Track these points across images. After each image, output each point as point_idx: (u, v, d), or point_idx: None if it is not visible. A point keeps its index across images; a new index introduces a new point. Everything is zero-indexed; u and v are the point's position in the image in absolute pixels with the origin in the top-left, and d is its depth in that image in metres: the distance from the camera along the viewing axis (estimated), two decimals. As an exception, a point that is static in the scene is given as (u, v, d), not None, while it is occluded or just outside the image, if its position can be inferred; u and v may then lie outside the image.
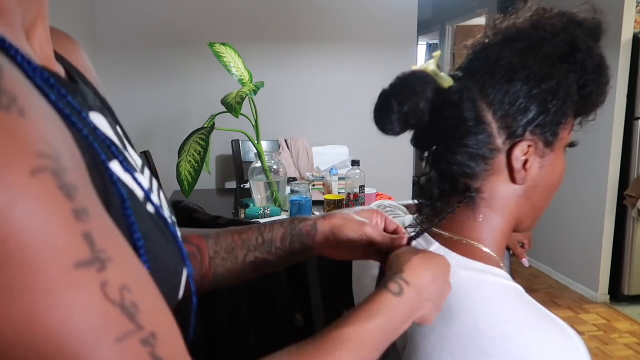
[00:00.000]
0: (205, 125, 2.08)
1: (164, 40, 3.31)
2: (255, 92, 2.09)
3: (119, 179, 0.37)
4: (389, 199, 2.27)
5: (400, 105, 0.57)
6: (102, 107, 0.45)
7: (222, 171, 3.58)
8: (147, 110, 3.35)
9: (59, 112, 0.31)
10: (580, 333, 2.67)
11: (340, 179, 2.33)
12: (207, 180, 3.20)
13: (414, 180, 3.80)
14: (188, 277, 0.45)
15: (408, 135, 0.64)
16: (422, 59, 6.70)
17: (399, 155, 3.60)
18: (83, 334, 0.26)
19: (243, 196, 2.52)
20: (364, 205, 2.05)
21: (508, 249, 1.22)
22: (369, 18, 3.59)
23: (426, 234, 0.64)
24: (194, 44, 3.29)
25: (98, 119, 0.40)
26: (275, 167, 2.27)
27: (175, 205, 1.48)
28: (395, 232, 0.64)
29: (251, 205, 2.23)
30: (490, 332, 0.55)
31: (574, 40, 0.59)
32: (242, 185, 2.87)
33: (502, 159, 0.60)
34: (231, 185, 3.52)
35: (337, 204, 2.01)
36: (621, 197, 3.03)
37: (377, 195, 2.23)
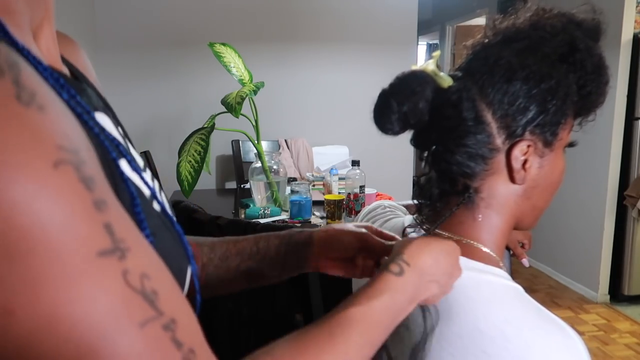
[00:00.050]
0: (205, 125, 2.08)
1: (164, 40, 3.31)
2: (255, 92, 2.09)
3: (128, 177, 0.37)
4: (389, 199, 2.27)
5: (399, 105, 0.58)
6: (105, 107, 0.45)
7: (222, 171, 3.58)
8: (147, 110, 3.35)
9: (71, 111, 0.32)
10: (580, 333, 2.67)
11: (340, 179, 2.33)
12: (207, 180, 3.20)
13: (414, 180, 3.81)
14: (192, 275, 0.46)
15: (408, 135, 0.64)
16: (422, 59, 6.70)
17: (399, 155, 3.60)
18: (107, 320, 0.27)
19: (243, 196, 2.52)
20: (364, 205, 2.05)
21: (508, 249, 1.22)
22: (369, 18, 3.59)
23: (425, 234, 0.64)
24: (194, 44, 3.29)
25: (103, 119, 0.41)
26: (275, 167, 2.27)
27: (175, 205, 1.48)
28: (391, 240, 0.64)
29: (251, 205, 2.23)
30: (490, 332, 0.55)
31: (573, 40, 0.59)
32: (242, 185, 2.88)
33: (501, 158, 0.60)
34: (231, 185, 3.52)
35: (337, 204, 2.01)
36: (621, 197, 3.03)
37: (377, 195, 2.23)
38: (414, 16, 3.68)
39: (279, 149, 3.35)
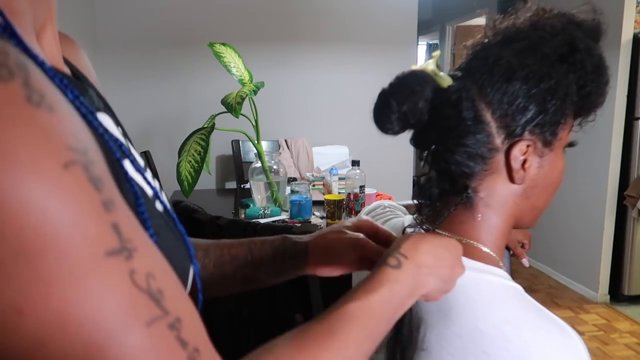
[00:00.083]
0: (205, 125, 2.08)
1: (164, 40, 3.31)
2: (255, 92, 2.09)
3: (132, 177, 0.38)
4: (389, 199, 2.27)
5: (399, 105, 0.58)
6: (105, 107, 0.45)
7: (222, 171, 3.58)
8: (147, 110, 3.35)
9: (76, 111, 0.32)
10: (580, 333, 2.67)
11: (340, 179, 2.33)
12: (207, 180, 3.20)
13: (414, 180, 3.81)
14: (194, 274, 0.46)
15: (408, 135, 0.65)
16: (422, 59, 6.70)
17: (399, 155, 3.60)
18: (115, 319, 0.27)
19: (243, 196, 2.52)
20: (364, 205, 2.05)
21: (508, 248, 1.22)
22: (369, 18, 3.59)
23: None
24: (194, 44, 3.29)
25: (105, 119, 0.41)
26: (275, 167, 2.27)
27: (175, 205, 1.48)
28: (388, 238, 0.64)
29: (251, 205, 2.23)
30: (489, 331, 0.55)
31: (573, 40, 0.59)
32: (242, 185, 2.88)
33: (500, 158, 0.60)
34: (231, 185, 3.52)
35: (337, 204, 2.01)
36: (621, 197, 3.03)
37: (377, 195, 2.23)
38: (414, 16, 3.68)
39: (279, 149, 3.36)
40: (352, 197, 2.05)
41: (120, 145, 0.39)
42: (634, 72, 2.95)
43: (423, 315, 0.60)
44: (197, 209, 1.51)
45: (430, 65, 0.59)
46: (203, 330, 0.34)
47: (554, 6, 0.63)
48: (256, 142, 2.19)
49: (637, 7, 2.94)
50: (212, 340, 0.35)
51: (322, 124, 3.63)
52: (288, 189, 2.25)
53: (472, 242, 0.62)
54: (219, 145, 3.37)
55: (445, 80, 0.59)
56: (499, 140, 0.59)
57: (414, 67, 0.60)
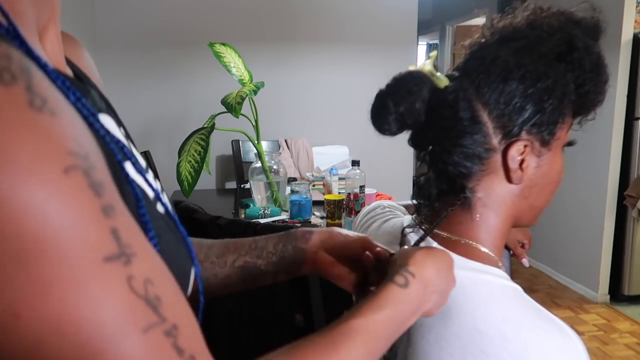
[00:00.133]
0: (205, 125, 2.08)
1: (164, 40, 3.31)
2: (255, 92, 2.09)
3: (133, 180, 0.38)
4: (389, 199, 2.27)
5: (396, 106, 0.57)
6: (107, 108, 0.45)
7: (222, 171, 3.58)
8: (147, 110, 3.35)
9: (78, 113, 0.32)
10: (580, 333, 2.68)
11: (340, 179, 2.33)
12: (207, 180, 3.20)
13: (414, 180, 3.81)
14: (196, 276, 0.46)
15: (408, 135, 0.65)
16: (422, 59, 6.69)
17: (399, 155, 3.60)
18: (111, 324, 0.27)
19: (243, 196, 2.52)
20: (364, 205, 2.05)
21: (508, 248, 1.22)
22: (369, 18, 3.59)
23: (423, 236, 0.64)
24: (194, 44, 3.30)
25: (107, 121, 0.41)
26: (275, 167, 2.27)
27: (175, 205, 1.47)
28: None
29: (251, 205, 2.23)
30: (488, 331, 0.55)
31: (571, 39, 0.59)
32: (242, 185, 2.88)
33: (497, 158, 0.59)
34: (231, 185, 3.52)
35: (337, 204, 2.01)
36: (621, 197, 3.03)
37: (377, 195, 2.23)
38: (414, 16, 3.68)
39: (279, 149, 3.36)
40: (352, 197, 2.05)
41: (123, 147, 0.39)
42: (634, 72, 2.95)
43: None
44: (197, 209, 1.51)
45: (427, 66, 0.59)
46: (200, 337, 0.34)
47: (552, 5, 0.63)
48: (256, 142, 2.19)
49: (637, 7, 2.93)
50: (212, 340, 0.35)
51: (322, 124, 3.63)
52: (288, 189, 2.25)
53: (470, 242, 0.62)
54: (219, 145, 3.38)
55: (442, 81, 0.59)
56: (496, 140, 0.59)
57: (411, 68, 0.60)
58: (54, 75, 0.31)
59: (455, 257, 0.61)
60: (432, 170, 0.63)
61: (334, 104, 3.62)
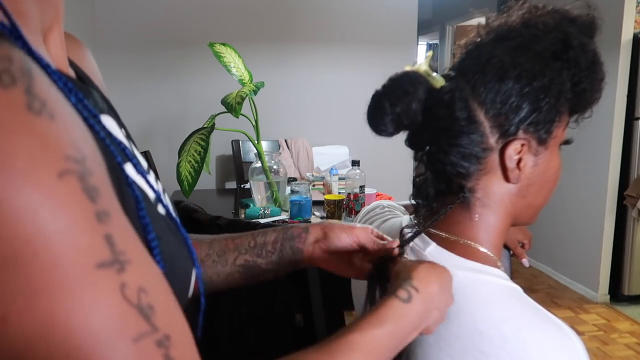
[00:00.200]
0: (205, 125, 2.08)
1: (164, 41, 3.31)
2: (255, 92, 2.09)
3: (133, 181, 0.37)
4: (389, 199, 2.27)
5: (392, 106, 0.57)
6: (109, 109, 0.45)
7: (222, 171, 3.58)
8: (147, 110, 3.35)
9: (78, 115, 0.32)
10: (580, 333, 2.67)
11: (340, 179, 2.33)
12: (207, 180, 3.20)
13: (413, 180, 3.81)
14: (197, 278, 0.46)
15: (405, 136, 0.65)
16: (422, 59, 6.68)
17: (398, 155, 3.57)
18: (102, 332, 0.27)
19: (243, 196, 2.52)
20: (364, 205, 2.05)
21: (508, 249, 1.22)
22: (370, 18, 3.59)
23: (423, 235, 0.64)
24: (194, 44, 3.30)
25: (108, 122, 0.41)
26: (275, 167, 2.27)
27: (175, 205, 1.47)
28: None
29: (251, 205, 2.23)
30: (488, 332, 0.55)
31: (567, 37, 0.59)
32: (242, 185, 2.88)
33: (495, 158, 0.59)
34: (231, 185, 3.52)
35: (337, 204, 2.01)
36: (621, 197, 3.03)
37: (377, 195, 2.23)
38: (414, 16, 3.68)
39: (279, 149, 3.36)
40: (352, 197, 2.05)
41: (124, 148, 0.39)
42: (634, 72, 2.94)
43: None
44: (197, 209, 1.51)
45: (423, 66, 0.59)
46: (193, 348, 0.33)
47: (548, 3, 0.63)
48: (256, 142, 2.20)
49: (637, 7, 2.93)
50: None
51: (322, 124, 3.63)
52: (288, 189, 2.26)
53: (469, 242, 0.62)
54: (219, 145, 3.38)
55: (438, 81, 0.59)
56: (493, 139, 0.59)
57: (407, 68, 0.60)
58: (56, 77, 0.31)
59: (454, 257, 0.61)
60: (430, 170, 0.63)
61: (334, 104, 3.62)
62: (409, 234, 0.62)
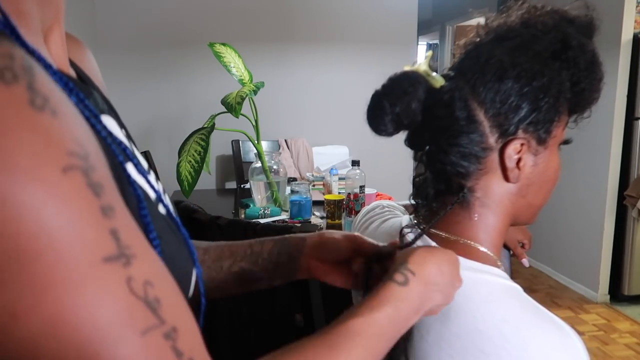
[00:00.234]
0: (205, 125, 2.09)
1: (164, 41, 3.31)
2: (255, 92, 2.09)
3: (135, 180, 0.37)
4: (389, 199, 2.27)
5: (392, 106, 0.57)
6: (109, 109, 0.45)
7: (222, 171, 3.58)
8: (147, 110, 3.35)
9: (80, 114, 0.32)
10: (580, 333, 2.67)
11: (340, 179, 2.33)
12: (207, 180, 3.20)
13: (413, 180, 3.80)
14: (197, 278, 0.46)
15: (405, 136, 0.65)
16: (422, 59, 6.68)
17: (398, 155, 3.57)
18: (110, 326, 0.27)
19: (243, 196, 2.52)
20: (364, 205, 2.05)
21: (508, 248, 1.22)
22: (370, 18, 3.59)
23: (423, 235, 0.64)
24: (194, 44, 3.30)
25: (109, 122, 0.41)
26: (275, 167, 2.27)
27: (175, 205, 1.47)
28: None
29: (251, 205, 2.23)
30: (488, 331, 0.55)
31: (566, 37, 0.59)
32: (242, 185, 2.88)
33: (494, 157, 0.59)
34: (231, 185, 3.52)
35: (337, 204, 2.01)
36: (621, 197, 3.03)
37: (377, 195, 2.23)
38: (414, 16, 3.68)
39: (279, 149, 3.36)
40: (352, 197, 2.05)
41: (125, 148, 0.39)
42: (634, 72, 2.94)
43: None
44: (197, 209, 1.51)
45: (423, 66, 0.59)
46: (200, 340, 0.34)
47: (547, 3, 0.63)
48: (256, 142, 2.20)
49: (637, 7, 2.93)
50: (212, 340, 0.35)
51: (322, 124, 3.63)
52: (288, 189, 2.26)
53: (469, 242, 0.62)
54: (219, 145, 3.38)
55: (438, 81, 0.59)
56: (492, 139, 0.59)
57: (406, 68, 0.60)
58: (57, 76, 0.31)
59: None
60: (429, 170, 0.63)
61: (334, 104, 3.62)
62: (410, 236, 0.62)
